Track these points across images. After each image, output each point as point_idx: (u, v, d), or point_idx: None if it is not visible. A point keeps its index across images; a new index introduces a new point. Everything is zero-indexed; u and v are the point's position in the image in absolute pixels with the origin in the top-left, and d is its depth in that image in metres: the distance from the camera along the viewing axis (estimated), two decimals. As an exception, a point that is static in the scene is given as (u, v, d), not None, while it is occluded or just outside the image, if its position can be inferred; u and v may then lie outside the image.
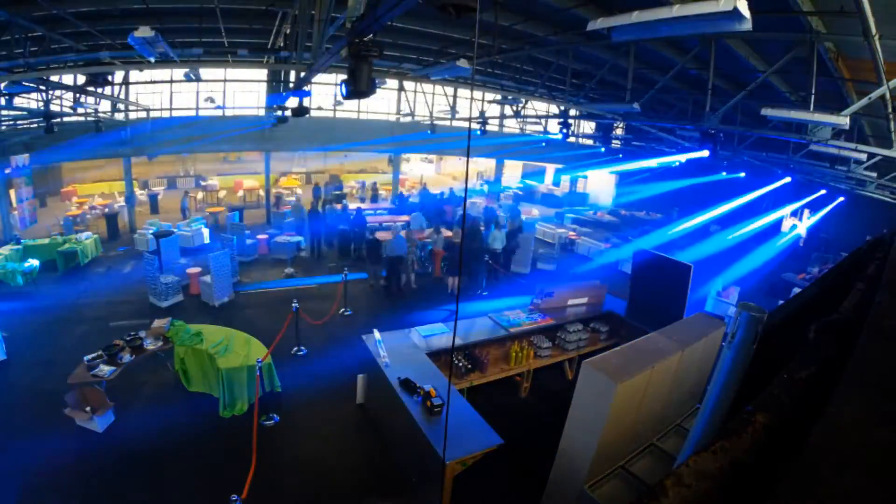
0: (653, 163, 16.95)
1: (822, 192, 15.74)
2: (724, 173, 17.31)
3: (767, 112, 5.92)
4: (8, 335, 7.40)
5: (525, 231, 13.49)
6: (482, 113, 16.29)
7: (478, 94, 16.19)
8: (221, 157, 23.46)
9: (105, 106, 14.05)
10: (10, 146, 12.60)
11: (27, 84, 9.30)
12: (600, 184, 24.69)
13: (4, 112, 11.69)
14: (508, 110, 17.15)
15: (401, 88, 17.82)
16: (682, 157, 14.42)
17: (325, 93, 17.83)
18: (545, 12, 6.65)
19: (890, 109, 5.74)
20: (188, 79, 12.55)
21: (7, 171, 12.63)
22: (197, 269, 10.26)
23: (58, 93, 11.77)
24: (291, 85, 9.51)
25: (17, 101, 11.09)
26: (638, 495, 3.93)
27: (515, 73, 10.26)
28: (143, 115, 15.21)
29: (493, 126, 19.06)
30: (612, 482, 4.21)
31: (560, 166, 23.47)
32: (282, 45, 7.66)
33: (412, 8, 3.19)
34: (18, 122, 12.69)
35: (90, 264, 11.75)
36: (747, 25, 2.95)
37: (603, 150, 18.77)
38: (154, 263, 9.60)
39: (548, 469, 4.55)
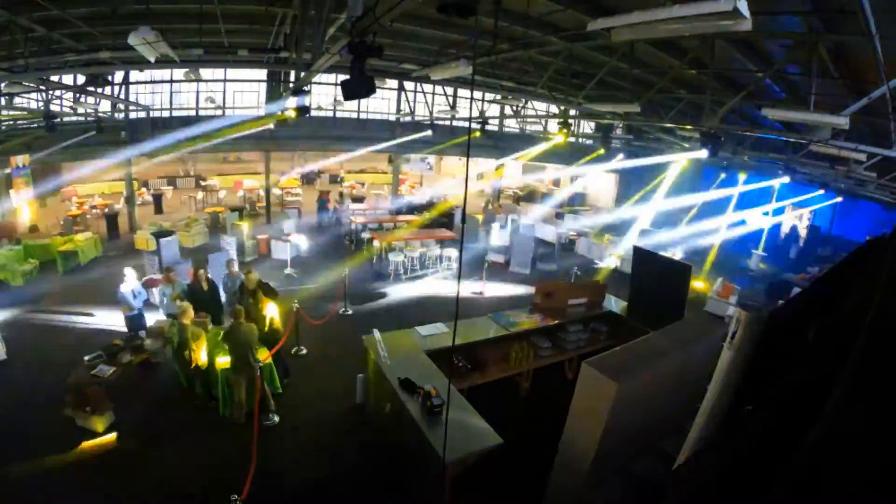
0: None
1: (822, 191, 15.77)
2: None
3: (767, 112, 5.91)
4: (8, 335, 7.40)
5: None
6: (482, 113, 16.28)
7: (478, 94, 16.19)
8: (221, 157, 23.45)
9: (105, 106, 14.06)
10: (10, 146, 12.60)
11: (27, 84, 9.31)
12: (600, 184, 24.68)
13: (4, 112, 11.69)
14: (508, 110, 17.14)
15: (401, 88, 17.81)
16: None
17: (325, 93, 17.85)
18: (544, 12, 6.65)
19: (890, 109, 5.74)
20: (188, 68, 12.47)
21: (7, 171, 12.64)
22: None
23: (58, 93, 11.77)
24: (291, 85, 9.50)
25: (17, 101, 11.10)
26: (638, 495, 3.94)
27: (515, 74, 10.25)
28: (142, 114, 15.20)
29: (492, 126, 19.04)
30: (612, 482, 4.21)
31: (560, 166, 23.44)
32: (282, 45, 7.64)
33: (412, 9, 3.19)
34: (18, 122, 12.69)
35: (90, 264, 11.76)
36: (747, 25, 2.94)
37: (602, 150, 18.76)
38: (154, 263, 9.60)
39: (548, 469, 4.55)
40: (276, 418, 6.18)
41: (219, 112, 16.33)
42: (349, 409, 6.49)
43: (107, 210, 15.48)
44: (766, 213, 17.86)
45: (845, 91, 6.57)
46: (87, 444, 5.53)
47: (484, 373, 6.41)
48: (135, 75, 14.08)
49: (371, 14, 3.48)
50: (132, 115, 14.94)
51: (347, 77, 4.27)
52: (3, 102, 10.28)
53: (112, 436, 5.69)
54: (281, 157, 21.54)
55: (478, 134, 15.26)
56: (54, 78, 9.84)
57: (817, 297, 2.18)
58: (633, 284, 8.34)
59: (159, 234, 11.05)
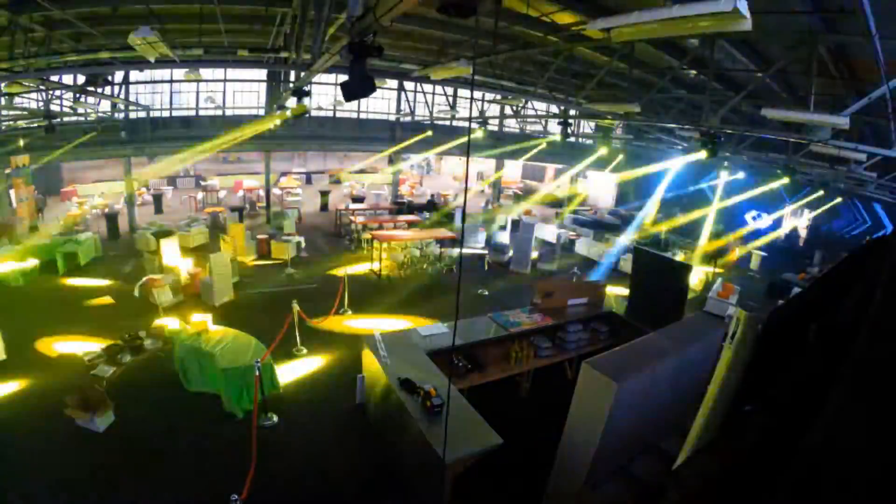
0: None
1: (821, 191, 15.76)
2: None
3: (767, 113, 5.91)
4: (8, 335, 7.40)
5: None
6: (482, 113, 16.28)
7: (478, 94, 16.19)
8: (221, 157, 23.46)
9: (105, 106, 14.06)
10: (10, 146, 12.60)
11: (27, 84, 9.31)
12: (601, 184, 24.69)
13: (4, 112, 11.69)
14: (508, 110, 17.13)
15: (401, 88, 17.81)
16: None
17: (325, 92, 17.85)
18: (545, 12, 6.65)
19: (890, 109, 5.74)
20: (187, 68, 12.47)
21: (7, 171, 12.64)
22: (197, 269, 10.26)
23: (58, 93, 11.77)
24: (291, 85, 9.51)
25: (17, 101, 11.10)
26: (638, 495, 3.94)
27: (515, 74, 10.25)
28: (142, 114, 15.21)
29: (492, 126, 19.04)
30: (612, 482, 4.21)
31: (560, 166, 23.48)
32: (282, 45, 7.64)
33: (412, 9, 3.19)
34: (18, 121, 12.68)
35: (90, 264, 11.75)
36: (747, 25, 2.94)
37: (605, 150, 18.75)
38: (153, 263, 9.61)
39: (548, 469, 4.55)
40: (276, 418, 6.18)
41: (219, 112, 16.34)
42: (349, 409, 6.49)
43: (107, 210, 15.48)
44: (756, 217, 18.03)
45: (845, 91, 6.58)
46: (86, 444, 5.53)
47: (484, 373, 6.41)
48: (135, 75, 14.09)
49: (371, 14, 3.48)
50: (132, 115, 14.95)
51: (347, 77, 4.27)
52: (3, 102, 10.27)
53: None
54: (281, 157, 21.55)
55: (481, 133, 15.31)
56: (54, 78, 9.84)
57: (817, 297, 2.17)
58: (633, 284, 8.34)
59: (159, 234, 11.05)
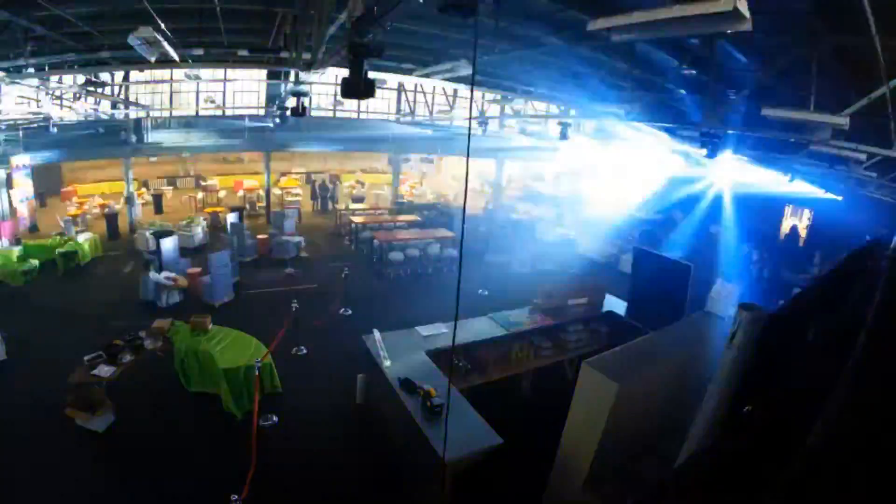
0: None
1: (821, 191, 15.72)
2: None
3: (767, 112, 5.91)
4: (8, 335, 7.40)
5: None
6: (482, 113, 16.27)
7: (478, 93, 16.19)
8: (221, 157, 23.41)
9: (105, 106, 14.07)
10: (9, 146, 12.61)
11: (27, 84, 9.31)
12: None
13: (4, 112, 11.70)
14: (509, 109, 17.14)
15: (401, 88, 17.83)
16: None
17: (326, 92, 17.87)
18: (545, 13, 6.64)
19: (890, 109, 5.73)
20: (188, 68, 12.52)
21: (7, 170, 12.64)
22: (197, 269, 10.26)
23: (58, 93, 11.77)
24: (291, 85, 9.52)
25: (18, 100, 11.11)
26: (638, 495, 3.94)
27: (515, 73, 10.24)
28: (142, 114, 15.21)
29: (492, 127, 19.03)
30: (612, 482, 4.21)
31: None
32: (282, 45, 7.64)
33: (412, 8, 3.19)
34: (18, 121, 12.69)
35: (90, 264, 11.75)
36: (747, 25, 2.94)
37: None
38: (154, 263, 9.61)
39: (548, 469, 4.55)
40: (276, 418, 6.18)
41: (218, 112, 16.35)
42: (349, 409, 6.49)
43: (107, 210, 15.46)
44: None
45: (846, 90, 6.57)
46: (86, 444, 5.53)
47: (484, 373, 6.41)
48: (135, 75, 14.11)
49: (371, 14, 3.49)
50: (132, 115, 14.96)
51: (347, 76, 4.26)
52: (4, 102, 10.28)
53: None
54: (281, 157, 21.50)
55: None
56: (54, 78, 9.84)
57: (817, 296, 2.18)
58: (634, 284, 8.34)
59: (159, 234, 11.05)
